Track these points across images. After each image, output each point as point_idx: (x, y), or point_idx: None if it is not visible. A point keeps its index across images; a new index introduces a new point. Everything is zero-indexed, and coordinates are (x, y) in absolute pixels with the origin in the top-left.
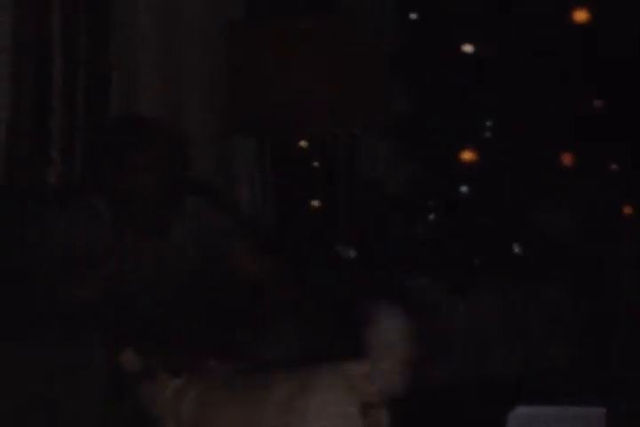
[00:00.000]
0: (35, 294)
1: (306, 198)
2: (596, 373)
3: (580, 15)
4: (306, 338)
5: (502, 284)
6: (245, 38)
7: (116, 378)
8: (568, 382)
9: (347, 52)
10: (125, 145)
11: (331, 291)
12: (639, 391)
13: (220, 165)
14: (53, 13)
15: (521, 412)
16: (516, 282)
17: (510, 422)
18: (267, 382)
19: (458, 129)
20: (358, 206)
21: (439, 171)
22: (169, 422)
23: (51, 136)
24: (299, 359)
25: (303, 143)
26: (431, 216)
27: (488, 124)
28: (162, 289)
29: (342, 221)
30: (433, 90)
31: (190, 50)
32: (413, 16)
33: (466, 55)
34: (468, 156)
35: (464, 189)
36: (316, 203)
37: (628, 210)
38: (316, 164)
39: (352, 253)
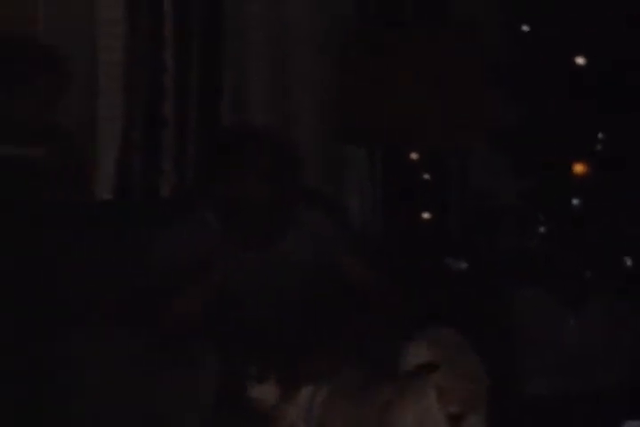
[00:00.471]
0: (150, 308)
1: (416, 210)
2: None
3: None
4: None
5: (612, 297)
6: (357, 50)
7: (226, 385)
8: None
9: (459, 66)
10: (236, 154)
11: (440, 303)
12: None
13: (330, 174)
14: (166, 25)
15: (631, 426)
16: (627, 295)
17: None
18: (369, 385)
19: (569, 142)
20: (469, 219)
21: (551, 183)
22: None
23: (162, 148)
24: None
25: (414, 155)
26: (542, 229)
27: (600, 136)
28: (269, 297)
29: (454, 234)
30: (544, 102)
31: (301, 58)
32: (525, 28)
33: (578, 67)
34: (579, 168)
35: (575, 201)
36: (426, 215)
37: None
38: (426, 176)
39: (463, 266)
